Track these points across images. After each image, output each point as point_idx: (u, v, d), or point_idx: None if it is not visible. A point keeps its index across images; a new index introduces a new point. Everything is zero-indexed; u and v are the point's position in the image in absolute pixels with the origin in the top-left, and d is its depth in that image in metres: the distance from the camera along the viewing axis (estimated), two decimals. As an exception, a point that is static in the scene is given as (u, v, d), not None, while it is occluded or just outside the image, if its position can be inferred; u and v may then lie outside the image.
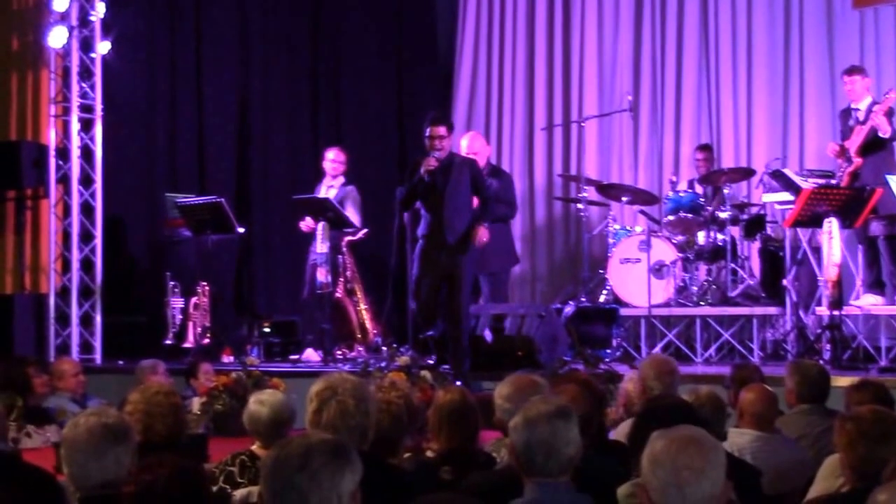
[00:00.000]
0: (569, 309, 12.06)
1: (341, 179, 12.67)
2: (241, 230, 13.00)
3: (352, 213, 12.38)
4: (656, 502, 3.51)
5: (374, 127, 15.56)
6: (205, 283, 12.80)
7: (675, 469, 3.48)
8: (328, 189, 12.62)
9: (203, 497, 4.13)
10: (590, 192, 13.17)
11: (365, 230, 12.55)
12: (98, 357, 13.21)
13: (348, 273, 12.56)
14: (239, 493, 5.45)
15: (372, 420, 4.72)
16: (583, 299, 12.54)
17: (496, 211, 11.76)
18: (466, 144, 12.09)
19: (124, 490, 4.13)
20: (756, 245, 12.89)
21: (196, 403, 9.28)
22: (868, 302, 11.32)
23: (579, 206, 13.25)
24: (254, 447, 5.91)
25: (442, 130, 10.50)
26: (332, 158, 12.71)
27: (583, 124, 13.75)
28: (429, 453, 5.85)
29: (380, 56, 15.81)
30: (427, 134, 10.52)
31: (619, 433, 6.08)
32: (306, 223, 12.48)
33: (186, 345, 12.78)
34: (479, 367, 10.66)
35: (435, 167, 10.35)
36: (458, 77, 15.65)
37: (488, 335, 11.07)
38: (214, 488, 5.48)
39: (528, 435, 4.36)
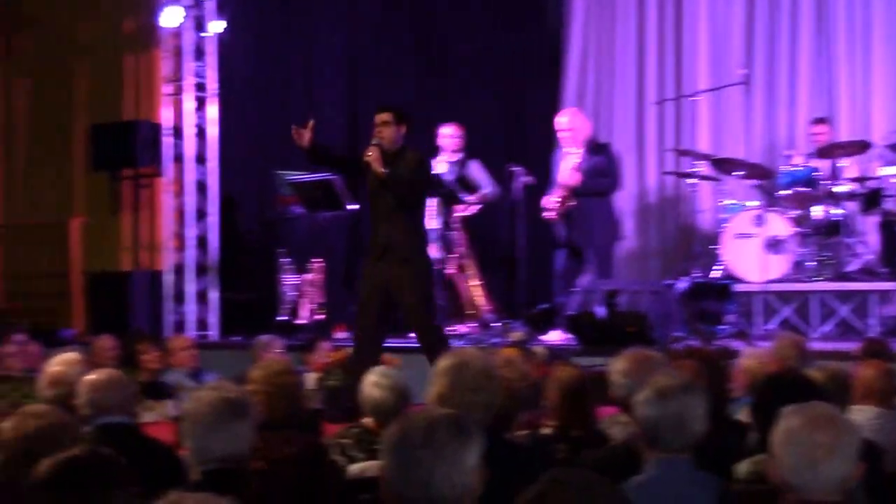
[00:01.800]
0: (682, 285, 11.96)
1: (459, 155, 12.66)
2: (354, 207, 13.06)
3: (486, 183, 12.45)
4: (787, 480, 3.47)
5: (483, 102, 15.51)
6: (317, 260, 12.87)
7: (810, 447, 3.43)
8: (446, 164, 12.64)
9: (327, 473, 4.16)
10: (702, 167, 13.03)
11: (478, 205, 12.53)
12: (215, 333, 13.36)
13: (460, 249, 12.57)
14: (355, 468, 5.47)
15: (498, 397, 4.72)
16: (696, 275, 12.43)
17: (597, 184, 11.81)
18: (565, 121, 12.11)
19: (253, 466, 4.16)
20: (874, 219, 12.68)
21: (311, 379, 9.35)
22: None
23: (692, 180, 13.13)
24: (366, 420, 5.93)
25: (384, 117, 9.39)
26: (449, 134, 12.71)
27: (695, 98, 13.59)
28: (545, 430, 5.85)
29: (490, 31, 15.76)
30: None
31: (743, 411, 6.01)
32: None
33: (300, 321, 12.87)
34: (591, 343, 10.64)
35: (373, 156, 9.18)
36: (569, 52, 15.57)
37: (600, 311, 11.01)
38: (329, 462, 5.51)
39: (657, 409, 4.33)
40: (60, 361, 6.35)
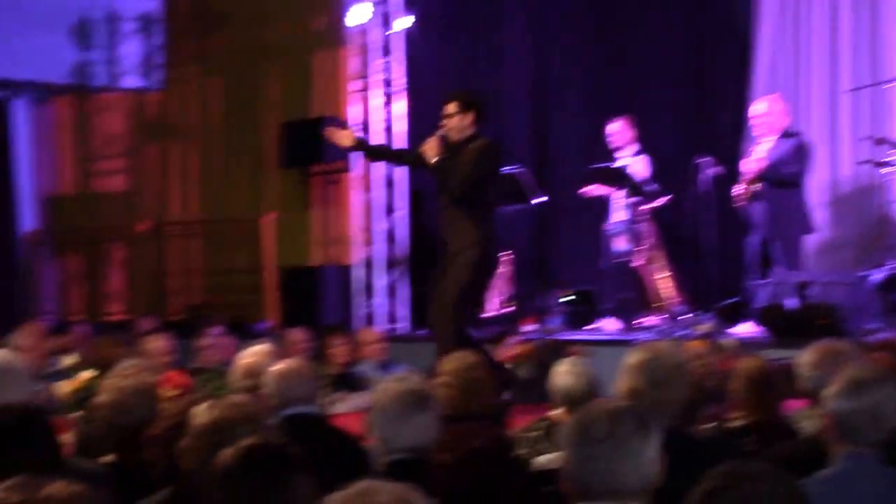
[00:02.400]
0: (877, 276, 11.70)
1: (632, 149, 12.58)
2: (540, 200, 13.07)
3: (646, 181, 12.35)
4: None
5: (670, 93, 15.36)
6: (506, 253, 12.92)
7: None
8: (630, 157, 12.55)
9: (512, 466, 4.19)
10: (897, 156, 12.72)
11: (667, 197, 12.44)
12: (404, 326, 13.50)
13: (648, 241, 12.49)
14: (541, 460, 5.49)
15: (688, 391, 4.68)
16: (891, 266, 12.13)
17: (783, 173, 11.59)
18: (762, 109, 11.93)
19: (439, 458, 4.21)
20: None
21: (498, 372, 9.39)
22: None
23: (887, 169, 12.82)
24: (552, 413, 5.94)
25: (449, 107, 9.10)
26: (616, 130, 12.61)
27: (891, 86, 13.26)
28: (731, 423, 5.79)
29: (675, 21, 15.59)
30: None
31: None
32: (595, 189, 12.53)
33: (489, 314, 12.92)
34: (781, 336, 10.48)
35: (428, 145, 9.01)
36: (758, 38, 15.31)
37: (791, 303, 10.85)
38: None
39: (851, 402, 4.23)
40: (252, 353, 6.50)
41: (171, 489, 4.26)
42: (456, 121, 8.98)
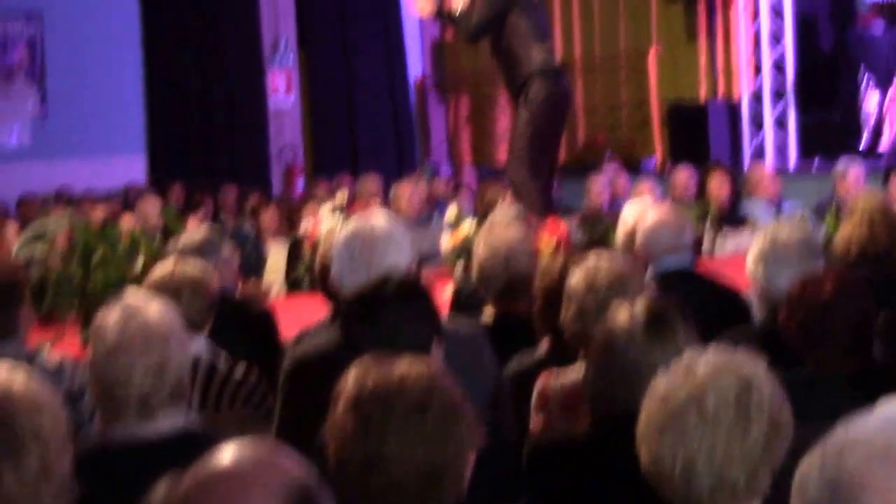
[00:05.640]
0: None
1: None
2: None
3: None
4: None
5: None
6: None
7: None
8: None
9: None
10: None
11: None
12: (793, 160, 13.12)
13: None
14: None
15: None
16: None
17: None
18: None
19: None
20: None
21: None
22: None
23: None
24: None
25: None
26: None
27: None
28: None
29: None
30: None
31: None
32: None
33: (883, 143, 12.43)
34: None
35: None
36: None
37: None
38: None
39: None
40: (633, 204, 6.32)
41: (551, 342, 4.24)
42: None
